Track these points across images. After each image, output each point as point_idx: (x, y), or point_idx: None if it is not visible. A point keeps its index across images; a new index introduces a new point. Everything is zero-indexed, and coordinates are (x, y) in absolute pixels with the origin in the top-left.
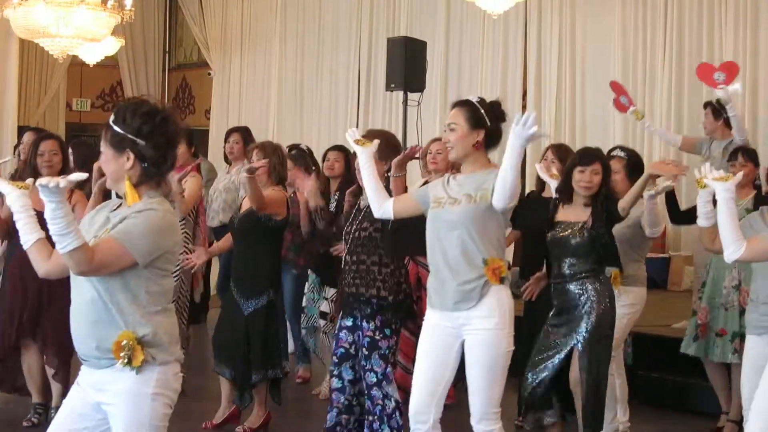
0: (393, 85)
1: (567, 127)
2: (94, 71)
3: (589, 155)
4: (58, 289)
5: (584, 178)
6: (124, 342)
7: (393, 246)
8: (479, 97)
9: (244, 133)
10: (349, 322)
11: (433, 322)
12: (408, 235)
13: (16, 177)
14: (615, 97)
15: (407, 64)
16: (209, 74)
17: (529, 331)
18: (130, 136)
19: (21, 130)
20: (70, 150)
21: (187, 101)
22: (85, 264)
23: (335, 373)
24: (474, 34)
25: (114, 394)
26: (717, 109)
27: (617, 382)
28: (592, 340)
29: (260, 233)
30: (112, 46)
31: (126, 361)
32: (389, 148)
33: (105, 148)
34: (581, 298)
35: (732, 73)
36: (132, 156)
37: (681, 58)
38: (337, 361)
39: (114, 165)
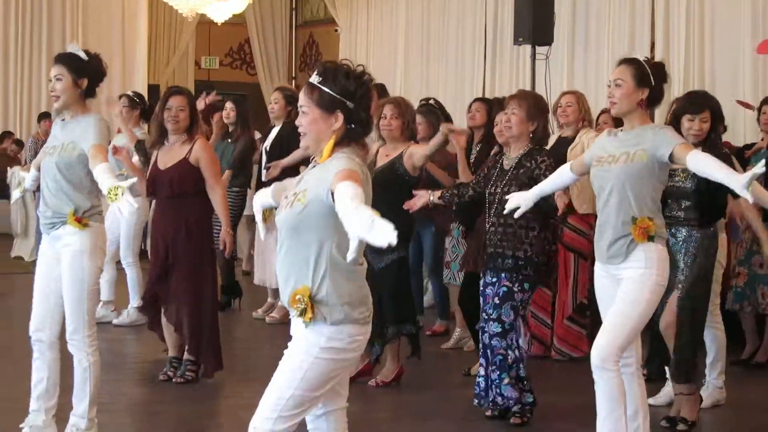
0: (521, 39)
1: (696, 78)
2: (222, 29)
3: (699, 103)
4: (181, 251)
5: (694, 126)
6: (299, 296)
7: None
8: (645, 57)
9: (380, 91)
10: (493, 279)
11: (599, 272)
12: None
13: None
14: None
15: (535, 18)
16: (336, 31)
17: None
18: (340, 97)
19: (151, 89)
20: (231, 106)
21: (314, 58)
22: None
23: (485, 329)
24: None
25: (293, 342)
26: None
27: (713, 336)
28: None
29: (396, 188)
30: (239, 3)
31: (298, 314)
32: (537, 108)
33: (310, 109)
34: (686, 244)
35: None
36: (342, 117)
37: None
38: (486, 317)
39: (322, 125)
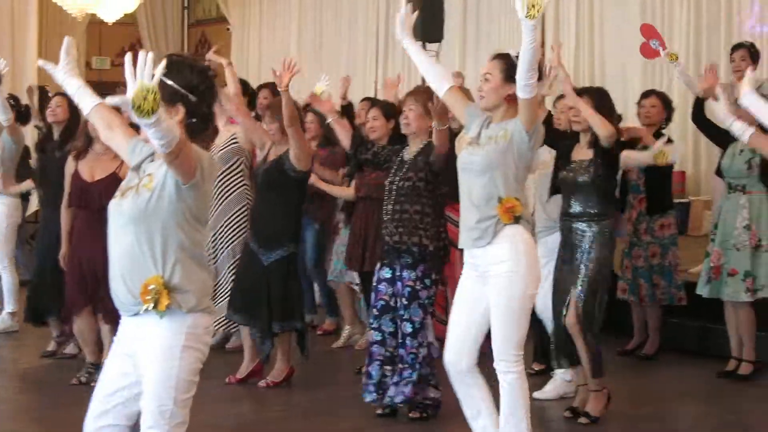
0: None
1: (586, 74)
2: (113, 29)
3: (579, 93)
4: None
5: (574, 115)
6: (152, 286)
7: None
8: (518, 52)
9: (273, 89)
10: (388, 274)
11: (465, 272)
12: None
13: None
14: (644, 41)
15: (425, 15)
16: (228, 29)
17: None
18: (183, 90)
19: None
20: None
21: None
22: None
23: (375, 326)
24: None
25: (145, 345)
26: (753, 53)
27: None
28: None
29: (284, 185)
30: (130, 3)
31: (152, 305)
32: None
33: None
34: (583, 239)
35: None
36: (183, 110)
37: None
38: (377, 313)
39: None
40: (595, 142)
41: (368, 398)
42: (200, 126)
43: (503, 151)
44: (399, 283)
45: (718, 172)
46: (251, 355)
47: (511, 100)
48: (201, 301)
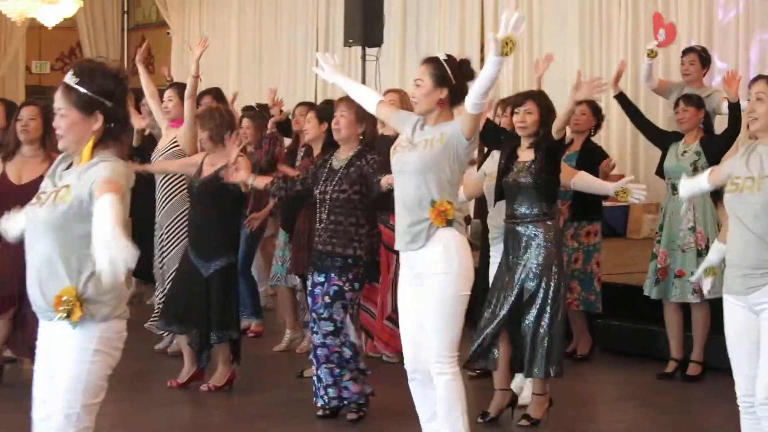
0: (351, 41)
1: (525, 80)
2: (52, 33)
3: (523, 96)
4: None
5: (518, 118)
6: (65, 297)
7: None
8: (447, 55)
9: (217, 95)
10: (321, 278)
11: (402, 274)
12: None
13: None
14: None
15: (365, 19)
16: (168, 34)
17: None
18: (99, 97)
19: None
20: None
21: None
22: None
23: (315, 329)
24: None
25: (58, 346)
26: (704, 57)
27: None
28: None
29: (224, 197)
30: (70, 7)
31: (65, 315)
32: (366, 111)
33: (69, 111)
34: (530, 241)
35: (670, 39)
36: (101, 117)
37: (636, 6)
38: (316, 317)
39: (82, 127)
40: (536, 144)
41: (320, 402)
42: (118, 130)
43: (437, 154)
44: (326, 283)
45: (660, 173)
46: (191, 359)
47: (443, 104)
48: (115, 310)
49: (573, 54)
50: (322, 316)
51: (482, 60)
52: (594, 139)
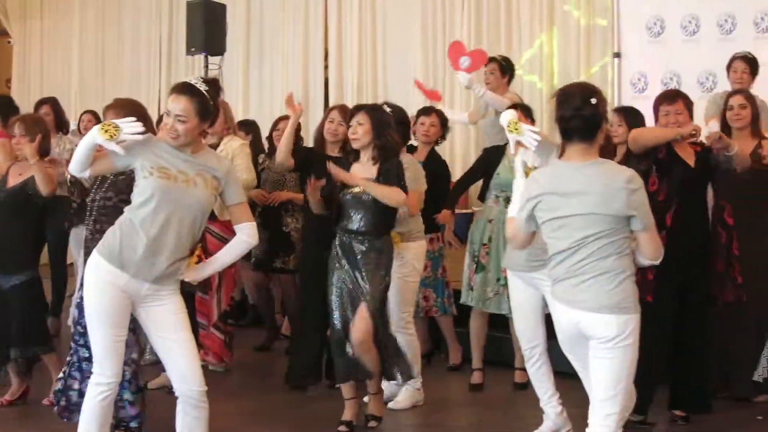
0: (193, 49)
1: (369, 88)
2: None
3: (355, 108)
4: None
5: (347, 130)
6: None
7: None
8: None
9: (54, 105)
10: None
11: None
12: None
13: None
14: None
15: (207, 28)
16: (9, 42)
17: None
18: None
19: None
20: None
21: None
22: None
23: (81, 343)
24: None
25: None
26: (504, 66)
27: (405, 342)
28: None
29: (28, 209)
30: None
31: None
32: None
33: None
34: (364, 257)
35: (478, 62)
36: None
37: (479, 8)
38: (82, 330)
39: None
40: (378, 158)
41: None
42: None
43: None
44: None
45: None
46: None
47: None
48: None
49: (416, 56)
50: (79, 343)
51: (326, 68)
52: (439, 149)
